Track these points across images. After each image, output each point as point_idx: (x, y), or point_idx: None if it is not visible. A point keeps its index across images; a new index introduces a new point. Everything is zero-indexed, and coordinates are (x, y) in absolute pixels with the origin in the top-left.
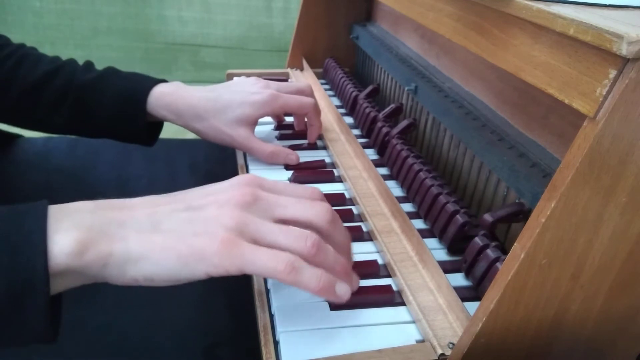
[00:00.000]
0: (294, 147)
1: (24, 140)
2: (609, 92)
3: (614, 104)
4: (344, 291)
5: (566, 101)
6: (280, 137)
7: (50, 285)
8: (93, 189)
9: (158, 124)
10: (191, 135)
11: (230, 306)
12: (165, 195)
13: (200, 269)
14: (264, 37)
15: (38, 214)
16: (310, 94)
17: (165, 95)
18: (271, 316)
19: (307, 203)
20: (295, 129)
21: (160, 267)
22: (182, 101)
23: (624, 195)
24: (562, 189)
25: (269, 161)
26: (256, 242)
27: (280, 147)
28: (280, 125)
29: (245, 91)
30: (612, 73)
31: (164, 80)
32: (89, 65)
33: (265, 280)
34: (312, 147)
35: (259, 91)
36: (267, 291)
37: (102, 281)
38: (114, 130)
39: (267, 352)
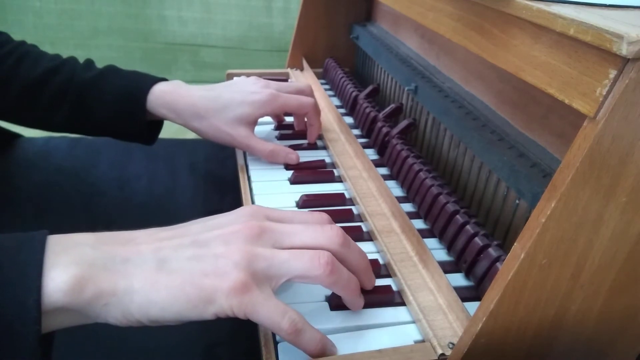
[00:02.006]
0: (294, 147)
1: (24, 140)
2: (609, 92)
3: (614, 104)
4: (335, 350)
5: (566, 101)
6: (280, 137)
7: (43, 323)
8: (93, 188)
9: (158, 123)
10: (191, 135)
11: None
12: (168, 228)
13: (209, 312)
14: (264, 37)
15: (35, 246)
16: (310, 94)
17: (165, 94)
18: None
19: (317, 228)
20: (295, 129)
21: (167, 310)
22: (182, 100)
23: (624, 195)
24: (562, 189)
25: (269, 160)
26: (268, 277)
27: (280, 147)
28: (280, 125)
29: (245, 90)
30: (612, 73)
31: (164, 79)
32: (89, 63)
33: None
34: (312, 147)
35: (259, 91)
36: None
37: (102, 321)
38: (114, 128)
39: (266, 352)
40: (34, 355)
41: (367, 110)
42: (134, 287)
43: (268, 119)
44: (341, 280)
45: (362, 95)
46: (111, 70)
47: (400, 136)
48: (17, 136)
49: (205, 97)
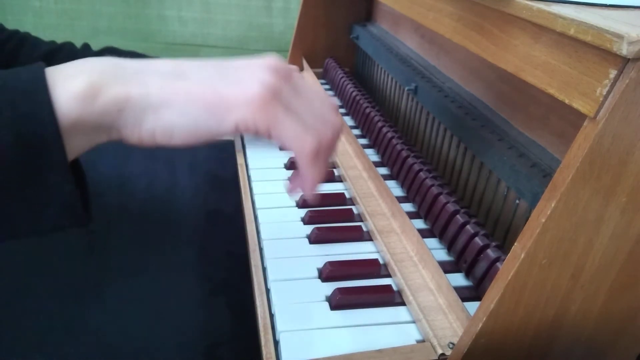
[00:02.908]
0: None
1: None
2: (609, 92)
3: (614, 104)
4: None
5: (566, 101)
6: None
7: (65, 143)
8: (92, 188)
9: None
10: None
11: (231, 306)
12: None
13: (229, 119)
14: (264, 37)
15: (34, 66)
16: None
17: None
18: (271, 316)
19: (328, 105)
20: None
21: (184, 115)
22: None
23: (624, 195)
24: (562, 189)
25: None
26: (288, 101)
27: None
28: None
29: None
30: (613, 73)
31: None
32: (86, 46)
33: (265, 281)
34: None
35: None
36: (268, 291)
37: (117, 137)
38: None
39: (267, 352)
40: (64, 174)
41: (367, 110)
42: (150, 91)
43: None
44: (322, 163)
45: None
46: (110, 50)
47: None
48: None
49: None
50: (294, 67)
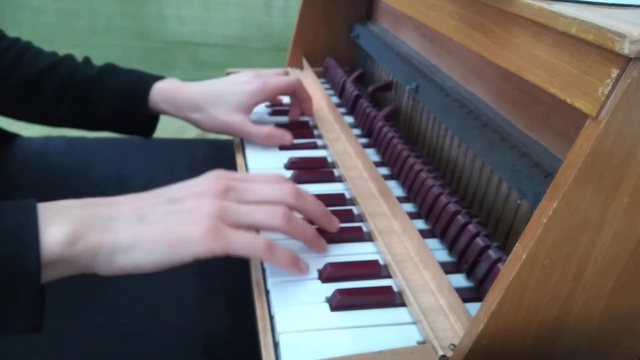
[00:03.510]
0: (296, 146)
1: (22, 139)
2: (611, 92)
3: (616, 104)
4: (305, 267)
5: (568, 100)
6: (284, 147)
7: (41, 275)
8: (91, 188)
9: (156, 117)
10: (190, 135)
11: (230, 307)
12: (144, 192)
13: (188, 254)
14: (264, 36)
15: (29, 209)
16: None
17: (166, 91)
18: (271, 317)
19: (274, 185)
20: (290, 119)
21: (149, 254)
22: (181, 95)
23: (627, 195)
24: (564, 189)
25: (266, 142)
26: (236, 224)
27: (274, 129)
28: (274, 111)
29: (238, 82)
30: (615, 72)
31: (162, 77)
32: (87, 61)
33: (265, 281)
34: (313, 146)
35: (251, 81)
36: (267, 292)
37: (90, 272)
38: (116, 123)
39: (266, 353)
40: (35, 303)
41: (368, 110)
42: (119, 238)
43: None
44: (298, 229)
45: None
46: (111, 68)
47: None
48: (15, 136)
49: (202, 92)
50: (231, 177)
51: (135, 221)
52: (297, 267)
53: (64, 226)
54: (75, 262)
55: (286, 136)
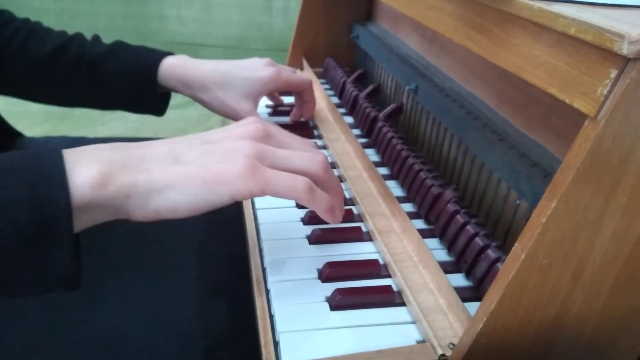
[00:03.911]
0: None
1: (24, 139)
2: (610, 92)
3: (615, 104)
4: (340, 215)
5: (567, 101)
6: None
7: (74, 220)
8: None
9: (167, 95)
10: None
11: (231, 307)
12: (177, 137)
13: (225, 193)
14: (264, 37)
15: (54, 154)
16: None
17: (175, 67)
18: (271, 317)
19: (308, 146)
20: (291, 119)
21: (185, 194)
22: (190, 73)
23: (625, 195)
24: (563, 189)
25: None
26: (274, 167)
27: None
28: (275, 111)
29: (251, 67)
30: (613, 73)
31: (171, 53)
32: (97, 38)
33: (265, 282)
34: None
35: (264, 68)
36: (267, 292)
37: (124, 216)
38: (127, 101)
39: (267, 352)
40: (68, 252)
41: (367, 110)
42: (153, 177)
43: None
44: (332, 181)
45: (363, 94)
46: (121, 44)
47: (387, 119)
48: (18, 136)
49: (213, 71)
50: (270, 125)
51: (170, 161)
52: (334, 213)
53: (93, 167)
54: (107, 206)
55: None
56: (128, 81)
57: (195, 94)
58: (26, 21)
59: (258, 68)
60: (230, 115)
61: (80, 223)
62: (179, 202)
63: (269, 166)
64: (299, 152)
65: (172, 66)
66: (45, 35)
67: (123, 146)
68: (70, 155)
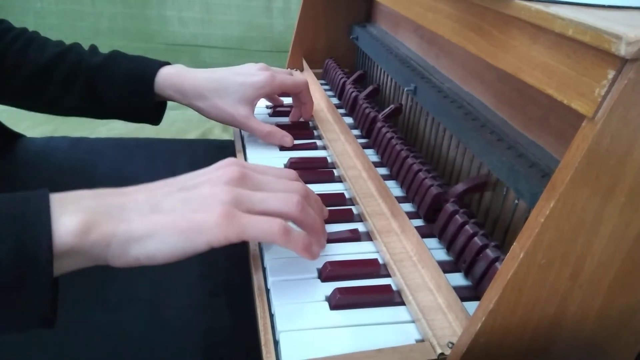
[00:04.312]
0: (296, 147)
1: (25, 140)
2: (607, 93)
3: (612, 105)
4: (317, 252)
5: (565, 101)
6: (284, 148)
7: (54, 265)
8: (93, 188)
9: (163, 104)
10: (191, 136)
11: (231, 306)
12: (157, 182)
13: (202, 241)
14: (264, 38)
15: (42, 199)
16: (304, 78)
17: (172, 76)
18: (271, 316)
19: (285, 181)
20: (290, 120)
21: (163, 243)
22: (187, 82)
23: (623, 195)
24: (561, 189)
25: (266, 140)
26: (249, 210)
27: (277, 128)
28: (275, 111)
29: (246, 73)
30: (611, 73)
31: (168, 63)
32: (94, 48)
33: (265, 281)
34: (313, 147)
35: (258, 73)
36: (267, 291)
37: (103, 263)
38: (124, 110)
39: (267, 351)
40: (46, 295)
41: (367, 110)
42: (132, 227)
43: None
44: (309, 218)
45: (362, 95)
46: (117, 55)
47: (387, 120)
48: (18, 136)
49: (208, 79)
50: (247, 166)
51: (149, 210)
52: (309, 252)
53: (76, 215)
54: (88, 253)
55: (286, 137)
56: (124, 91)
57: (192, 101)
58: (24, 31)
59: (252, 73)
60: (228, 121)
61: (60, 268)
62: (157, 251)
63: (244, 211)
64: (274, 194)
65: (169, 75)
66: (42, 45)
67: (105, 193)
68: (56, 202)
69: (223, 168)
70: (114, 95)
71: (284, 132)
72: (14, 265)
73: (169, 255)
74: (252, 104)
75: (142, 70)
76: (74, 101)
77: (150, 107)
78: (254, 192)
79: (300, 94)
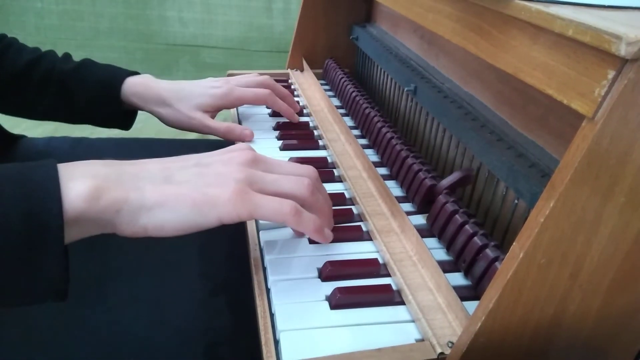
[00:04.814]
0: (297, 147)
1: (26, 140)
2: (607, 93)
3: (612, 105)
4: (329, 235)
5: (565, 102)
6: (284, 148)
7: (64, 232)
8: None
9: (134, 111)
10: (192, 136)
11: (231, 305)
12: (171, 157)
13: (213, 215)
14: (265, 38)
15: (49, 166)
16: (268, 85)
17: (136, 85)
18: (271, 315)
19: (296, 165)
20: (293, 122)
21: (174, 213)
22: (149, 90)
23: (623, 195)
24: (560, 189)
25: (227, 138)
26: (262, 191)
27: (235, 125)
28: (282, 136)
29: (206, 85)
30: (611, 74)
31: (136, 72)
32: (67, 56)
33: (265, 281)
34: (313, 146)
35: (219, 86)
36: (268, 290)
37: (111, 231)
38: (93, 115)
39: (267, 351)
40: (58, 263)
41: (367, 110)
42: (145, 195)
43: (268, 134)
44: (319, 202)
45: (363, 95)
46: (89, 62)
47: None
48: (19, 137)
49: (170, 89)
50: (255, 151)
51: (162, 181)
52: (322, 234)
53: (86, 181)
54: (97, 219)
55: (245, 131)
56: (93, 98)
57: (153, 108)
58: (2, 37)
59: (212, 86)
60: (185, 124)
61: (70, 235)
62: (167, 221)
63: (257, 190)
64: (286, 176)
65: (134, 84)
66: (18, 51)
67: (117, 163)
68: (65, 169)
69: (237, 151)
70: (84, 100)
71: (242, 127)
72: (25, 231)
73: (178, 227)
74: (208, 111)
75: (111, 78)
76: (46, 106)
77: (118, 114)
78: (266, 173)
79: (269, 104)
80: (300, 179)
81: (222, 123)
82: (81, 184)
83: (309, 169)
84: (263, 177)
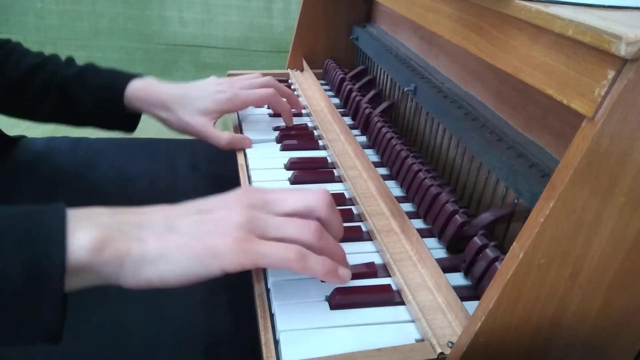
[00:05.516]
0: (296, 148)
1: (26, 140)
2: (607, 93)
3: (612, 105)
4: (346, 274)
5: (565, 101)
6: (284, 148)
7: (65, 281)
8: (95, 188)
9: (136, 114)
10: (192, 137)
11: (232, 305)
12: (174, 204)
13: (215, 266)
14: (265, 38)
15: (58, 213)
16: (272, 85)
17: (139, 89)
18: (271, 315)
19: (306, 194)
20: (287, 125)
21: (176, 265)
22: (153, 94)
23: (622, 195)
24: (560, 189)
25: (227, 148)
26: (265, 236)
27: (235, 135)
28: (282, 136)
29: (210, 90)
30: (611, 74)
31: (140, 75)
32: (70, 60)
33: (265, 280)
34: (313, 147)
35: (223, 90)
36: (268, 291)
37: (115, 283)
38: (96, 119)
39: (267, 351)
40: (55, 311)
41: (367, 110)
42: (147, 247)
43: (268, 135)
44: (329, 246)
45: (365, 99)
46: (91, 67)
47: (382, 116)
48: (19, 137)
49: (172, 94)
50: (264, 191)
51: (164, 231)
52: (335, 275)
53: (91, 231)
54: (100, 271)
55: (246, 140)
56: (96, 102)
57: (155, 112)
58: (7, 41)
59: (216, 90)
60: (186, 130)
61: (71, 285)
62: (169, 273)
63: (260, 236)
64: (291, 219)
65: (137, 88)
66: (22, 56)
67: (122, 211)
68: (74, 217)
69: (239, 193)
70: (87, 105)
71: (242, 137)
72: (25, 278)
73: (181, 279)
74: (211, 116)
75: (113, 84)
76: (48, 109)
77: (122, 118)
78: (269, 216)
79: (272, 105)
80: (307, 223)
81: (223, 134)
82: (86, 235)
83: (319, 197)
84: (266, 221)
